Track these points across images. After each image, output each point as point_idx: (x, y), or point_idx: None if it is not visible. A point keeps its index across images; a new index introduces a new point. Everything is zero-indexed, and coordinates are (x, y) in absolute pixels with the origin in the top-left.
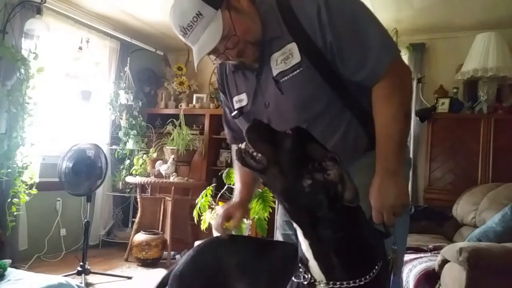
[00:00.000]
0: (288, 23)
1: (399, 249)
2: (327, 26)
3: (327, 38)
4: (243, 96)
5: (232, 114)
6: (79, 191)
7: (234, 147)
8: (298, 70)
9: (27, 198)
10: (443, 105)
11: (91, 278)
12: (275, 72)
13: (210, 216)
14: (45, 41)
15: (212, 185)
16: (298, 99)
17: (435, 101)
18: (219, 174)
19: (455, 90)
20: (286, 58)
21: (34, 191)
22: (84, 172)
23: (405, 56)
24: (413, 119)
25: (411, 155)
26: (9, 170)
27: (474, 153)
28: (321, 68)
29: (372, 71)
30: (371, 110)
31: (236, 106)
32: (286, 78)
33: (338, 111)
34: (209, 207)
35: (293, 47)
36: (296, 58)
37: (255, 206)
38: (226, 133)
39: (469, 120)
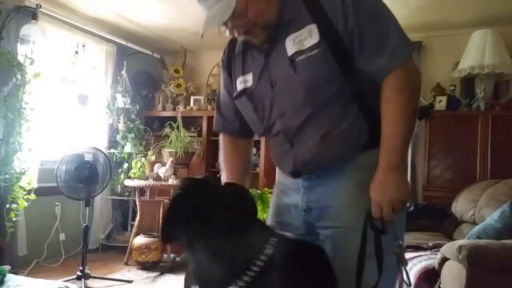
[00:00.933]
0: (309, 6)
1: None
2: (350, 11)
3: (349, 23)
4: (249, 77)
5: (234, 95)
6: (79, 196)
7: (221, 136)
8: (316, 50)
9: (25, 203)
10: (441, 103)
11: (91, 283)
12: (290, 52)
13: None
14: (41, 46)
15: None
16: (311, 79)
17: (433, 99)
18: (218, 176)
19: (452, 88)
20: (304, 38)
21: (32, 196)
22: (85, 177)
23: None
24: None
25: (409, 153)
26: (7, 176)
27: (472, 150)
28: (338, 52)
29: (387, 61)
30: (377, 107)
31: (240, 87)
32: (302, 57)
33: (346, 101)
34: None
35: (313, 28)
36: (315, 38)
37: None
38: (215, 119)
39: (466, 117)
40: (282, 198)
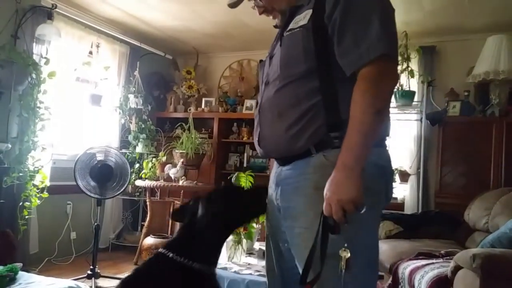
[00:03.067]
0: None
1: (356, 249)
2: (341, 2)
3: (335, 13)
4: (266, 54)
5: None
6: (97, 194)
7: None
8: (300, 29)
9: (38, 201)
10: (454, 109)
11: (101, 282)
12: (286, 30)
13: None
14: (56, 46)
15: None
16: (287, 52)
17: (446, 104)
18: (228, 177)
19: (466, 93)
20: (299, 20)
21: (45, 194)
22: (103, 177)
23: (414, 59)
24: (424, 122)
25: (421, 159)
26: (21, 174)
27: (486, 157)
28: (319, 38)
29: (358, 56)
30: (345, 110)
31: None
32: (288, 32)
33: (312, 86)
34: None
35: (309, 12)
36: (305, 21)
37: None
38: None
39: (480, 123)
40: (270, 194)
